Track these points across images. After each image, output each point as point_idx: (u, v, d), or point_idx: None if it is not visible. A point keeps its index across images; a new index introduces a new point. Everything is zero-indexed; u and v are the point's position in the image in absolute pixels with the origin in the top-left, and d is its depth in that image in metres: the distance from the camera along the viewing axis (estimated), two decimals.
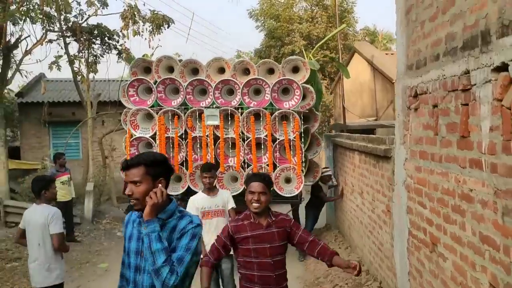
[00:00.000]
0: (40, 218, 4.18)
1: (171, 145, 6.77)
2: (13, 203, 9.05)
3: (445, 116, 3.03)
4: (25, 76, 14.23)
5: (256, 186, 3.25)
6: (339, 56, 11.08)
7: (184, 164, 6.83)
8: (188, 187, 6.86)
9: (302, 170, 6.75)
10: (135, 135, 6.81)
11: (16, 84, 16.73)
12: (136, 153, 6.90)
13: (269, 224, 3.28)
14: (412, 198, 3.83)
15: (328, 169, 8.19)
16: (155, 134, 6.75)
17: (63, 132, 14.20)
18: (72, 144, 14.82)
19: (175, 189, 6.97)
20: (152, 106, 6.89)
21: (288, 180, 6.94)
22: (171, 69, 7.13)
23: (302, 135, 6.79)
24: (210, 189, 4.97)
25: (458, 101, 2.81)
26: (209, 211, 4.92)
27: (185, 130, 6.78)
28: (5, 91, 16.54)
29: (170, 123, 6.74)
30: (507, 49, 2.18)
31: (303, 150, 6.72)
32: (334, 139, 8.37)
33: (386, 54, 13.19)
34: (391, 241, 4.69)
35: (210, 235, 4.57)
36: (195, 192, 7.00)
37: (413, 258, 3.83)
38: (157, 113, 6.69)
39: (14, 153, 15.10)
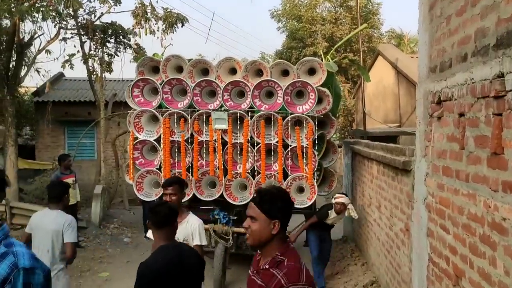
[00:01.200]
0: (52, 224, 4.02)
1: (176, 150, 6.40)
2: (20, 205, 8.88)
3: (473, 128, 2.54)
4: (43, 75, 14.23)
5: (248, 208, 2.26)
6: (360, 58, 10.52)
7: (190, 170, 6.45)
8: (194, 195, 6.48)
9: (315, 180, 6.29)
10: (139, 138, 6.47)
11: (35, 82, 16.73)
12: (140, 157, 6.58)
13: (259, 269, 2.23)
14: (433, 219, 3.34)
15: (342, 196, 6.32)
16: (160, 137, 6.40)
17: (78, 132, 14.05)
18: (87, 144, 14.72)
19: None
20: (160, 108, 6.55)
21: (301, 190, 6.49)
22: (180, 69, 6.77)
23: (317, 141, 6.32)
24: None
25: (489, 110, 2.32)
26: None
27: (192, 134, 6.41)
28: (24, 90, 16.68)
29: (176, 126, 6.37)
30: None
31: (316, 158, 6.25)
32: (353, 146, 7.85)
33: (412, 57, 12.57)
34: (409, 264, 4.18)
35: None
36: (201, 201, 6.66)
37: None
38: (162, 115, 6.34)
39: (31, 152, 15.12)
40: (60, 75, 16.69)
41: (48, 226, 4.02)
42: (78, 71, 11.06)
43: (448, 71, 2.97)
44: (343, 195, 6.37)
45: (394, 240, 4.84)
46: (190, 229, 3.80)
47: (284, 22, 19.34)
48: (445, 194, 3.04)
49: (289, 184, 6.26)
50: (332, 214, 6.29)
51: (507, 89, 2.12)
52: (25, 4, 8.98)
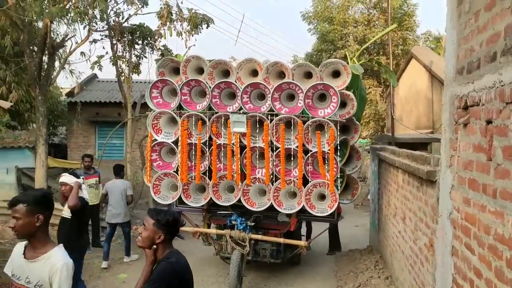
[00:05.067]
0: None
1: (193, 152, 6.26)
2: None
3: (502, 137, 2.24)
4: (77, 76, 14.52)
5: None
6: (390, 61, 10.08)
7: (207, 174, 6.29)
8: (211, 199, 6.32)
9: (337, 187, 6.00)
10: (157, 140, 6.37)
11: (69, 84, 17.15)
12: (158, 159, 6.48)
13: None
14: (459, 237, 3.02)
15: (65, 174, 5.59)
16: (178, 139, 6.27)
17: (108, 132, 14.22)
18: (117, 144, 14.90)
19: (197, 201, 6.46)
20: (181, 109, 6.43)
21: (322, 197, 6.21)
22: (200, 70, 6.64)
23: (339, 147, 6.03)
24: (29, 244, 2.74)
25: None
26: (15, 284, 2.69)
27: (210, 137, 6.25)
28: (59, 90, 17.11)
29: (194, 128, 6.23)
30: None
31: (338, 164, 5.95)
32: (379, 153, 7.49)
33: None
34: (433, 283, 3.84)
35: None
36: (219, 206, 6.49)
37: None
38: (180, 117, 6.22)
39: (65, 151, 15.48)
40: (93, 76, 17.02)
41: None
42: (109, 72, 11.17)
43: (475, 73, 2.66)
44: (67, 174, 5.52)
45: (418, 255, 4.49)
46: (49, 271, 2.58)
47: (315, 24, 18.99)
48: (471, 210, 2.73)
49: (309, 190, 6.01)
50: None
51: None
52: (56, 6, 9.13)
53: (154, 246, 2.83)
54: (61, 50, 11.86)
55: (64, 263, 2.63)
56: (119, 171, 7.92)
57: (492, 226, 2.37)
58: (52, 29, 10.44)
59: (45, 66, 10.78)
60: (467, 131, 2.83)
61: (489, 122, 2.43)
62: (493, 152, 2.36)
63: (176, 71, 6.73)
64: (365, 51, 17.01)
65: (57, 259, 2.64)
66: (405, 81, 12.93)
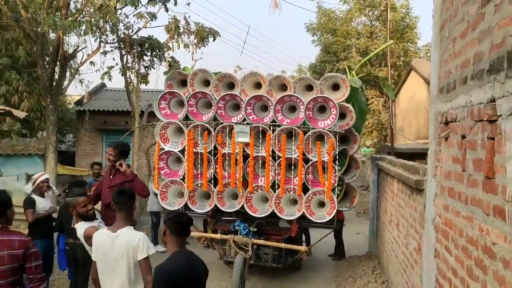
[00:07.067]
0: None
1: (199, 161, 6.59)
2: None
3: (472, 150, 2.55)
4: (86, 85, 14.95)
5: None
6: (389, 73, 10.41)
7: (212, 181, 6.62)
8: (215, 205, 6.64)
9: (336, 195, 6.30)
10: (164, 149, 6.70)
11: (79, 92, 17.59)
12: (165, 167, 6.81)
13: None
14: (440, 240, 3.32)
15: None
16: (184, 148, 6.61)
17: (115, 140, 14.61)
18: None
19: (202, 207, 6.78)
20: (188, 119, 6.77)
21: (321, 204, 6.51)
22: (206, 83, 6.99)
23: (338, 157, 6.34)
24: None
25: (484, 133, 2.33)
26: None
27: (215, 146, 6.59)
28: (68, 99, 17.54)
29: (200, 138, 6.57)
30: None
31: (337, 173, 6.26)
32: (378, 162, 7.79)
33: None
34: (421, 285, 4.13)
35: None
36: (222, 212, 6.80)
37: None
38: (187, 127, 6.56)
39: (73, 159, 15.85)
40: (102, 86, 17.46)
41: None
42: (118, 82, 11.56)
43: (453, 93, 2.98)
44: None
45: (409, 259, 4.79)
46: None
47: (319, 36, 19.40)
48: (449, 216, 3.03)
49: (309, 198, 6.31)
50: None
51: (498, 114, 2.14)
52: (69, 19, 9.56)
53: None
54: (72, 61, 12.28)
55: None
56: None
57: (464, 230, 2.67)
58: (64, 40, 10.86)
59: (57, 77, 11.22)
60: (447, 144, 3.14)
61: (463, 137, 2.74)
62: (466, 164, 2.66)
63: (183, 83, 7.07)
64: (368, 62, 17.36)
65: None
66: (406, 92, 13.26)
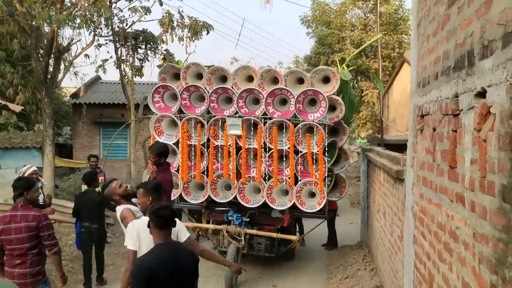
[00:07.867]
0: None
1: (193, 153, 6.76)
2: (56, 202, 9.49)
3: (440, 142, 2.73)
4: (81, 78, 15.06)
5: None
6: (379, 66, 10.56)
7: (206, 173, 6.80)
8: (209, 196, 6.83)
9: (326, 185, 6.49)
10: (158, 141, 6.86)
11: (74, 85, 17.69)
12: None
13: None
14: (417, 227, 3.51)
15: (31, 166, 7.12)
16: (178, 141, 6.78)
17: (112, 133, 14.74)
18: (121, 145, 15.41)
19: (196, 198, 6.97)
20: (181, 113, 6.92)
21: (312, 195, 6.71)
22: (199, 76, 7.14)
23: (327, 148, 6.52)
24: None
25: (449, 126, 2.51)
26: None
27: (208, 139, 6.76)
28: (64, 92, 17.63)
29: (193, 131, 6.73)
30: (486, 73, 1.90)
31: (326, 164, 6.45)
32: (367, 154, 7.98)
33: None
34: (402, 270, 4.34)
35: None
36: (216, 203, 6.99)
37: None
38: (180, 120, 6.72)
39: (70, 151, 16.00)
40: (97, 78, 17.54)
41: None
42: (113, 74, 11.71)
43: (427, 87, 3.15)
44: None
45: (393, 246, 4.99)
46: None
47: (314, 28, 19.50)
48: (424, 203, 3.22)
49: (299, 188, 6.50)
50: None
51: (460, 109, 2.31)
52: (63, 13, 9.65)
53: None
54: (66, 54, 12.37)
55: None
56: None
57: (435, 216, 2.86)
58: (58, 33, 10.95)
59: (51, 69, 11.32)
60: (422, 136, 3.32)
61: (434, 129, 2.92)
62: (435, 154, 2.85)
63: (176, 76, 7.22)
64: (361, 53, 17.49)
65: None
66: (398, 85, 13.42)
